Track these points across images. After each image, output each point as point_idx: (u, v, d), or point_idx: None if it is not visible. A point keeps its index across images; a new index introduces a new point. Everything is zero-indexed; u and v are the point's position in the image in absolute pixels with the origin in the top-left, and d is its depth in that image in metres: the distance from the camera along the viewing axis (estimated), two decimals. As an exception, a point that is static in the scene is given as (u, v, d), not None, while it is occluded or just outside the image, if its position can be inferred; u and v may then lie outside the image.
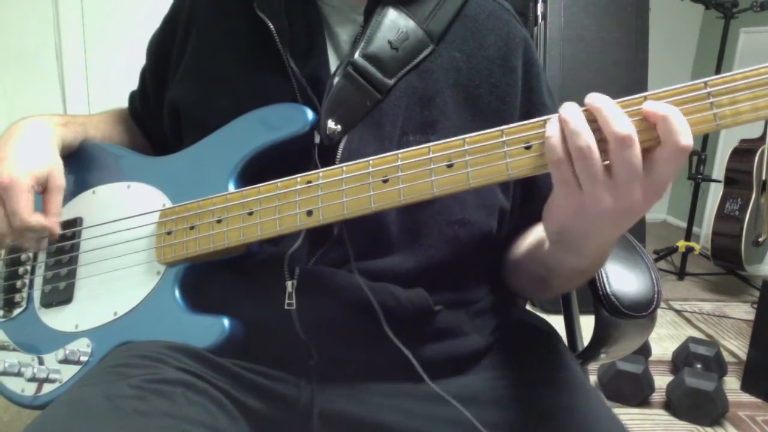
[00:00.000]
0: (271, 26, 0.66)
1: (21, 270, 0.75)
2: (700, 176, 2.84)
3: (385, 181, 0.56)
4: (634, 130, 0.47)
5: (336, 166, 0.58)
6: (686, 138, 0.46)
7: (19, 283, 0.74)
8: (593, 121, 0.48)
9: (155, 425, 0.52)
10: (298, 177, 0.59)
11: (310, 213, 0.58)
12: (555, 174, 0.50)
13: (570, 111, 0.49)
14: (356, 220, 0.58)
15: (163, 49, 0.78)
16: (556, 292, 0.75)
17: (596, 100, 0.48)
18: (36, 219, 0.66)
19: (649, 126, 0.47)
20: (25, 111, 0.75)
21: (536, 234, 0.68)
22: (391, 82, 0.65)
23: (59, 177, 0.69)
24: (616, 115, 0.47)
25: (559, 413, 0.61)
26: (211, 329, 0.62)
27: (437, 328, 0.65)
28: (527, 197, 0.71)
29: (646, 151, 0.47)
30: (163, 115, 0.77)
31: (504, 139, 0.52)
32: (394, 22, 0.66)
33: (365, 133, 0.64)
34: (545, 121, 0.51)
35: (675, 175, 0.48)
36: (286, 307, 0.61)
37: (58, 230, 0.69)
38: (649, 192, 0.48)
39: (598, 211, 0.49)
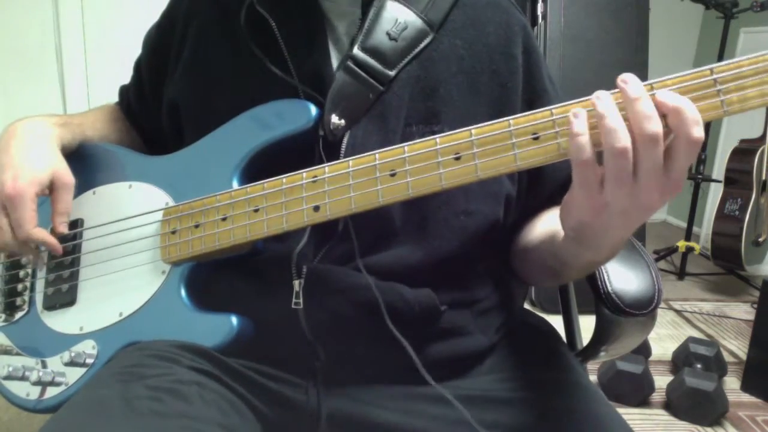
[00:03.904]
0: (272, 22, 0.66)
1: (22, 273, 0.74)
2: (700, 176, 2.84)
3: (392, 175, 0.55)
4: (662, 127, 0.45)
5: (342, 161, 0.58)
6: (698, 130, 0.45)
7: (20, 286, 0.74)
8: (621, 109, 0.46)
9: (173, 426, 0.52)
10: (304, 172, 0.59)
11: (317, 208, 0.58)
12: (578, 174, 0.47)
13: (606, 104, 0.46)
14: (360, 214, 0.57)
15: (163, 41, 0.77)
16: (565, 281, 0.75)
17: (633, 89, 0.45)
18: (39, 234, 0.65)
19: (660, 114, 0.46)
20: (25, 111, 0.74)
21: (549, 224, 0.67)
22: (392, 73, 0.65)
23: (66, 175, 0.69)
24: (649, 110, 0.45)
25: (562, 414, 0.61)
26: (220, 327, 0.62)
27: (442, 327, 0.65)
28: (534, 181, 0.70)
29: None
30: (161, 110, 0.76)
31: (511, 129, 0.51)
32: (392, 14, 0.66)
33: (369, 126, 0.64)
34: (552, 111, 0.50)
35: (686, 170, 0.47)
36: (293, 306, 0.61)
37: (59, 248, 0.68)
38: (665, 189, 0.47)
39: (617, 210, 0.48)
